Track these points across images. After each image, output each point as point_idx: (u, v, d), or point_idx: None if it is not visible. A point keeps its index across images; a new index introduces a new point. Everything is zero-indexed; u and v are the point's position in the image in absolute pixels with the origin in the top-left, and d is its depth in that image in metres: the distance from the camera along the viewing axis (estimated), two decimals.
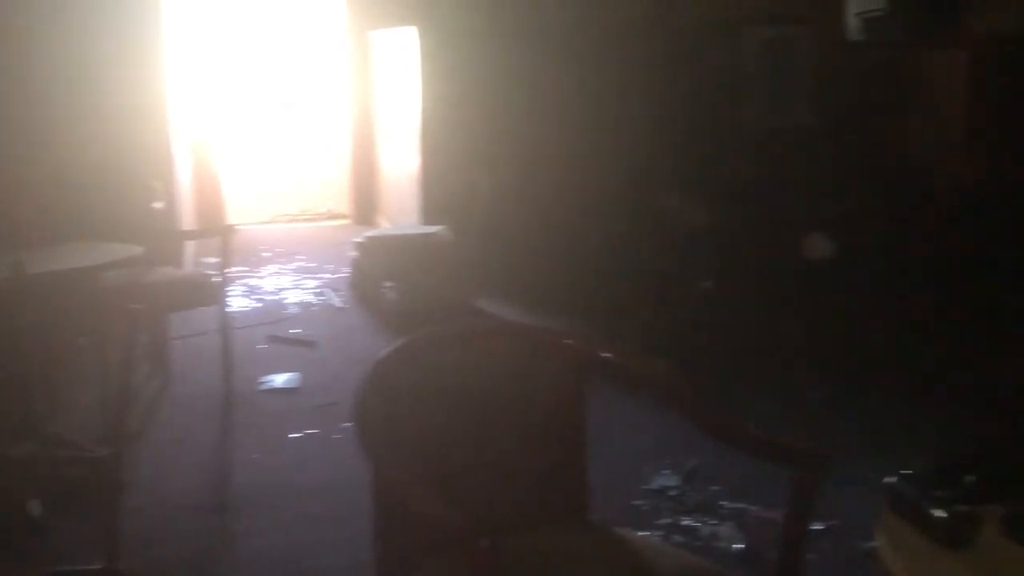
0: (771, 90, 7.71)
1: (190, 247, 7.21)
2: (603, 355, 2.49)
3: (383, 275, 6.54)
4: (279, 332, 6.04)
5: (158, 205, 5.44)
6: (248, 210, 9.37)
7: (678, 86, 7.37)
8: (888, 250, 6.59)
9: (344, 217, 9.39)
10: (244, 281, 7.21)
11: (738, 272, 6.60)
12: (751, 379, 5.16)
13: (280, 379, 5.20)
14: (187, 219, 7.27)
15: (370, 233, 6.92)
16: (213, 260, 5.47)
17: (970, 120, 6.78)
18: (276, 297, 6.84)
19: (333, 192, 9.49)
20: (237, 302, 6.61)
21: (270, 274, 7.46)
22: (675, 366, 4.60)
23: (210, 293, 4.97)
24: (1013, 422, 4.15)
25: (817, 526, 3.50)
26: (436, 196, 7.15)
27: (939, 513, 1.66)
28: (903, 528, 1.71)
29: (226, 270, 4.94)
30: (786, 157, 7.39)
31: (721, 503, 3.77)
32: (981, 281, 6.08)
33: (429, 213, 7.14)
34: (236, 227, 6.70)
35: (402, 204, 7.86)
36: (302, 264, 7.74)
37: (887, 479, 1.80)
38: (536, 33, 7.63)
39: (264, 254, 8.07)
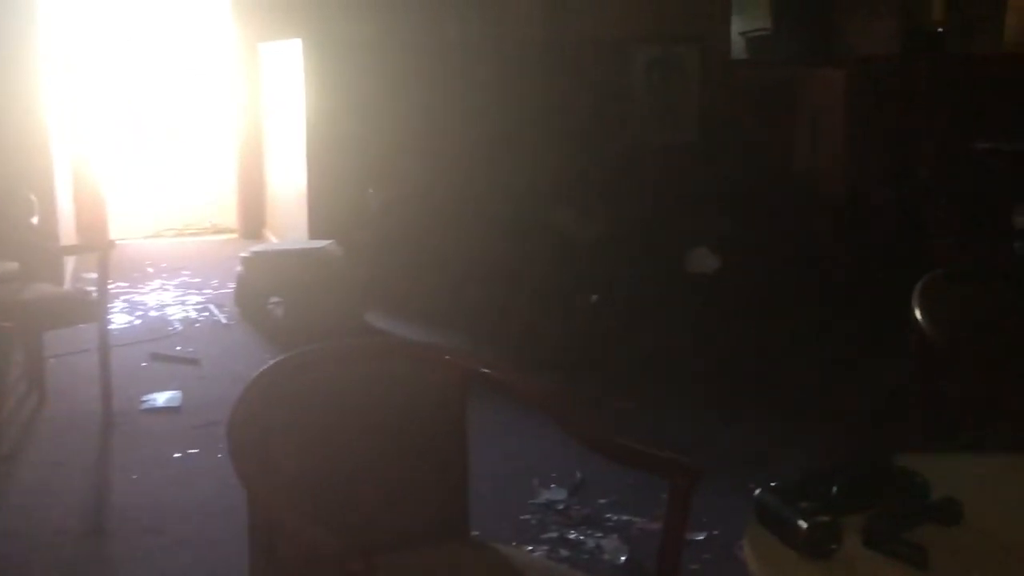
0: (658, 107, 7.85)
1: (70, 263, 7.01)
2: (483, 370, 2.50)
3: (269, 291, 6.46)
4: (161, 349, 5.91)
5: (35, 220, 5.28)
6: (132, 224, 9.16)
7: (567, 102, 7.45)
8: (771, 264, 6.75)
9: (231, 231, 9.24)
10: (126, 297, 7.04)
11: (624, 285, 6.69)
12: (635, 392, 5.22)
13: (162, 398, 5.08)
14: (67, 234, 7.07)
15: (256, 248, 6.82)
16: (94, 275, 5.33)
17: (848, 136, 7.01)
18: (159, 313, 6.69)
19: (220, 206, 9.34)
20: (118, 319, 6.46)
21: (153, 290, 7.29)
22: (553, 381, 4.66)
23: (89, 310, 4.83)
24: (879, 434, 4.29)
25: (698, 536, 3.57)
26: (324, 211, 7.09)
27: (802, 523, 1.70)
28: (768, 538, 1.75)
29: (106, 286, 4.81)
30: (672, 172, 7.53)
31: (607, 516, 3.81)
32: (861, 293, 6.28)
33: (317, 228, 7.07)
34: (118, 242, 6.55)
35: (290, 219, 7.77)
36: (187, 279, 7.59)
37: (756, 491, 1.84)
38: (426, 47, 7.64)
39: (148, 269, 7.89)
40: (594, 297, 6.66)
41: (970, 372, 2.95)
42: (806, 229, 6.89)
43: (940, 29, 9.78)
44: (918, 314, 2.97)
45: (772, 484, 1.80)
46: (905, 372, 3.69)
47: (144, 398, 5.06)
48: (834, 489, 1.80)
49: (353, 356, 2.52)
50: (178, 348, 5.97)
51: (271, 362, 2.37)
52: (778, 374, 5.50)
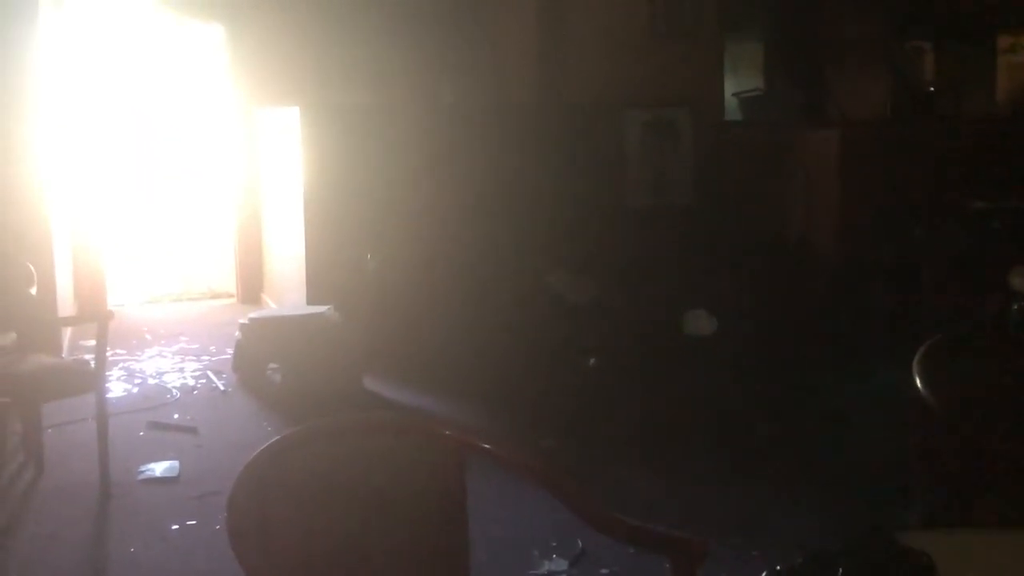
0: (652, 169, 7.91)
1: (68, 331, 7.01)
2: (482, 445, 2.50)
3: (268, 357, 6.45)
4: (159, 418, 5.89)
5: (33, 290, 5.29)
6: (130, 289, 9.17)
7: (562, 166, 7.51)
8: (768, 326, 6.76)
9: (229, 296, 9.25)
10: (124, 365, 7.02)
11: (622, 348, 6.69)
12: (635, 456, 5.20)
13: (159, 468, 5.06)
14: (65, 303, 7.07)
15: (254, 314, 6.83)
16: (92, 343, 5.32)
17: (842, 197, 7.05)
18: (157, 381, 6.68)
19: (218, 271, 9.35)
20: (116, 387, 6.44)
21: (151, 357, 7.28)
22: (552, 457, 4.64)
23: (87, 380, 4.82)
24: (878, 501, 4.26)
25: None
26: (322, 275, 7.11)
27: None
28: None
29: (104, 356, 4.81)
30: (667, 234, 7.56)
31: None
32: (858, 354, 6.28)
33: (315, 293, 7.08)
34: (115, 310, 6.55)
35: (288, 284, 7.79)
36: (184, 346, 7.58)
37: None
38: (422, 112, 7.72)
39: (146, 336, 7.88)
40: (592, 360, 6.66)
41: (971, 441, 2.95)
42: (802, 290, 6.91)
43: (931, 89, 9.91)
44: (919, 383, 2.97)
45: (778, 568, 1.78)
46: (904, 435, 3.67)
47: (142, 468, 5.04)
48: (840, 572, 1.79)
49: (351, 433, 2.51)
50: (176, 416, 5.95)
51: (270, 441, 2.36)
52: (776, 436, 5.47)
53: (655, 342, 6.79)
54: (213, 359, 7.17)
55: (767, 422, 5.61)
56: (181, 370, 6.94)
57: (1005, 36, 9.89)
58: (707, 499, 4.63)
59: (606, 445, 5.38)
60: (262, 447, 2.34)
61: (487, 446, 2.50)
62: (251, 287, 8.94)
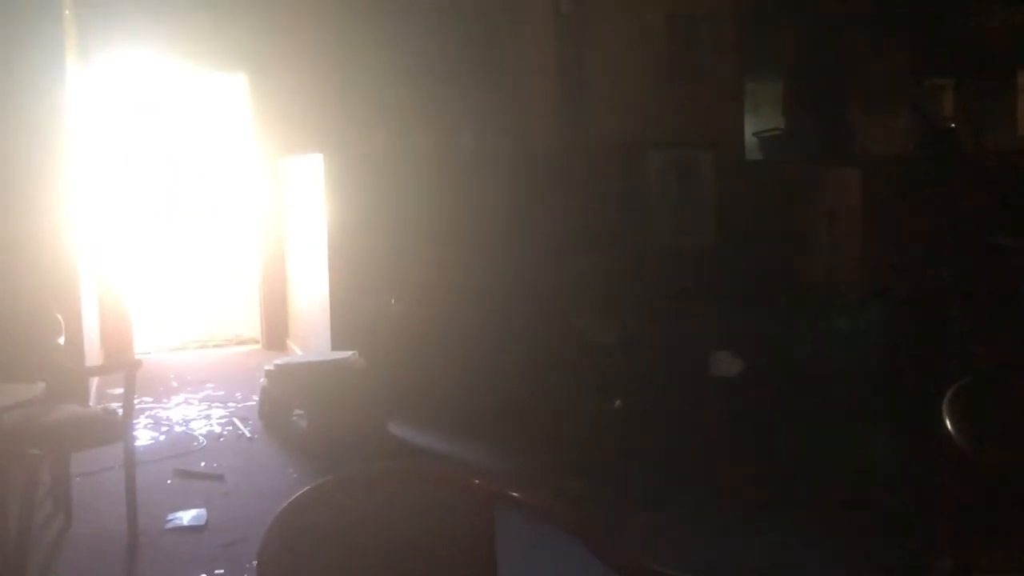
0: (675, 210, 7.92)
1: (95, 380, 7.05)
2: (511, 494, 2.49)
3: (293, 403, 6.47)
4: (186, 466, 5.90)
5: (61, 340, 5.33)
6: (157, 337, 9.23)
7: (585, 208, 7.53)
8: (795, 365, 6.72)
9: (254, 342, 9.30)
10: (151, 412, 7.05)
11: (648, 390, 6.67)
12: (664, 500, 5.16)
13: (187, 516, 5.06)
14: (93, 352, 7.12)
15: (279, 360, 6.85)
16: (119, 391, 5.35)
17: (866, 235, 7.04)
18: (184, 429, 6.70)
19: (243, 317, 9.41)
20: (143, 435, 6.46)
21: (177, 404, 7.31)
22: (580, 501, 4.62)
23: (115, 430, 4.84)
24: (908, 543, 4.21)
25: None
26: (346, 320, 7.13)
27: None
28: None
29: (132, 406, 4.83)
30: (692, 275, 7.56)
31: None
32: (888, 394, 6.24)
33: (339, 337, 7.11)
34: (142, 358, 6.59)
35: (313, 329, 7.82)
36: (211, 393, 7.61)
37: None
38: (444, 157, 7.77)
39: (172, 383, 7.92)
40: (618, 402, 6.64)
41: (1003, 483, 2.92)
42: (827, 329, 6.88)
43: (952, 126, 9.90)
44: (948, 425, 2.95)
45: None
46: (934, 476, 3.63)
47: (169, 517, 5.04)
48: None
49: (380, 482, 2.50)
50: (203, 464, 5.96)
51: (300, 492, 2.36)
52: (805, 479, 5.43)
53: (681, 383, 6.77)
54: (239, 406, 7.19)
55: (795, 462, 5.57)
56: (208, 417, 6.96)
57: None
58: (736, 545, 4.59)
59: (634, 488, 5.35)
60: (292, 497, 2.34)
61: (516, 495, 2.49)
62: (276, 333, 8.97)
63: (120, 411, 4.95)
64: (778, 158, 9.12)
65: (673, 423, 6.41)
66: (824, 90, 9.42)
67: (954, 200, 7.15)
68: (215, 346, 9.42)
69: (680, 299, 7.37)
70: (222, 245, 9.77)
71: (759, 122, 9.32)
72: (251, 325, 9.34)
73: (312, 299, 7.75)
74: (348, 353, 6.57)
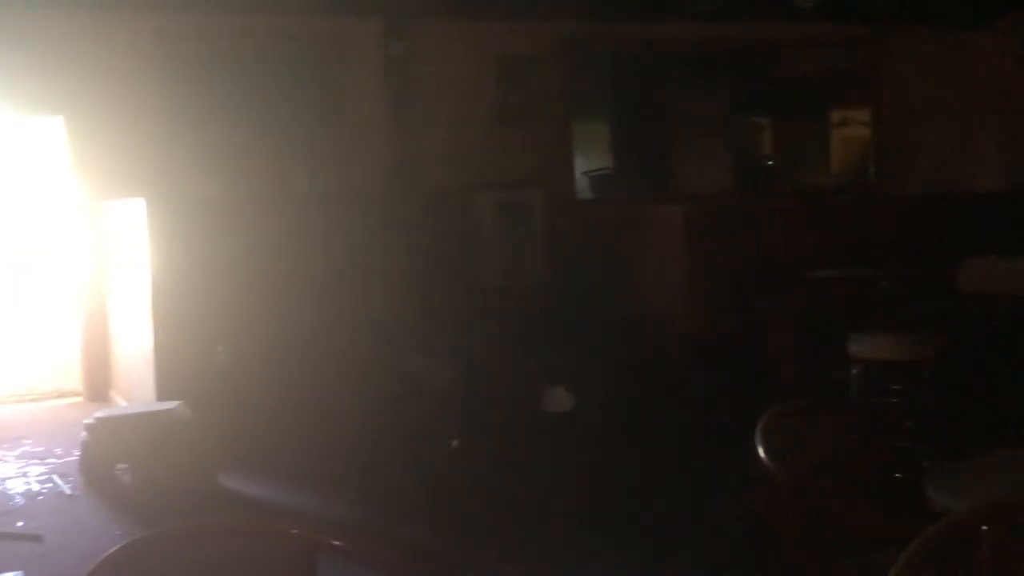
0: (507, 250, 8.01)
1: None
2: (332, 542, 2.45)
3: (116, 457, 6.22)
4: (1, 527, 5.60)
5: None
6: None
7: (417, 251, 7.53)
8: (624, 400, 6.85)
9: (76, 395, 8.93)
10: None
11: (483, 429, 6.69)
12: (501, 540, 5.17)
13: None
14: None
15: (100, 413, 6.59)
16: None
17: (689, 270, 7.25)
18: None
19: (64, 369, 9.03)
20: None
21: None
22: (417, 544, 4.59)
23: None
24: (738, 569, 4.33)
25: None
26: (172, 370, 6.91)
27: None
28: None
29: None
30: (524, 313, 7.63)
31: None
32: (713, 424, 6.41)
33: (166, 388, 6.88)
34: None
35: (137, 379, 7.55)
36: (29, 449, 7.25)
37: None
38: (275, 200, 7.66)
39: None
40: (455, 442, 6.63)
41: (815, 506, 3.03)
42: (655, 364, 7.04)
43: (770, 163, 10.34)
44: (761, 452, 3.05)
45: None
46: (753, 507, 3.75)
47: None
48: None
49: (194, 538, 2.42)
50: (20, 524, 5.67)
51: (109, 552, 2.26)
52: (638, 511, 5.52)
53: (515, 421, 6.81)
54: (60, 461, 6.88)
55: (628, 495, 5.66)
56: (25, 475, 6.64)
57: (837, 111, 10.43)
58: None
59: (471, 529, 5.34)
60: (103, 556, 2.25)
61: (337, 543, 2.45)
62: (99, 384, 8.64)
63: None
64: (607, 197, 9.35)
65: (509, 461, 6.44)
66: (647, 130, 9.72)
67: (771, 234, 7.44)
68: (32, 400, 9.00)
69: (513, 337, 7.43)
70: (41, 294, 9.37)
71: (589, 162, 9.53)
72: (72, 377, 8.97)
73: (136, 348, 7.50)
74: (173, 404, 6.38)
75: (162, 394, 6.86)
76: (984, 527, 2.44)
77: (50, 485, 6.40)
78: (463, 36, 8.38)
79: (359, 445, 6.60)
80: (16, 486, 6.39)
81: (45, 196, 9.13)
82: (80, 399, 8.79)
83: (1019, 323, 6.47)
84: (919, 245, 7.62)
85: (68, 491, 6.26)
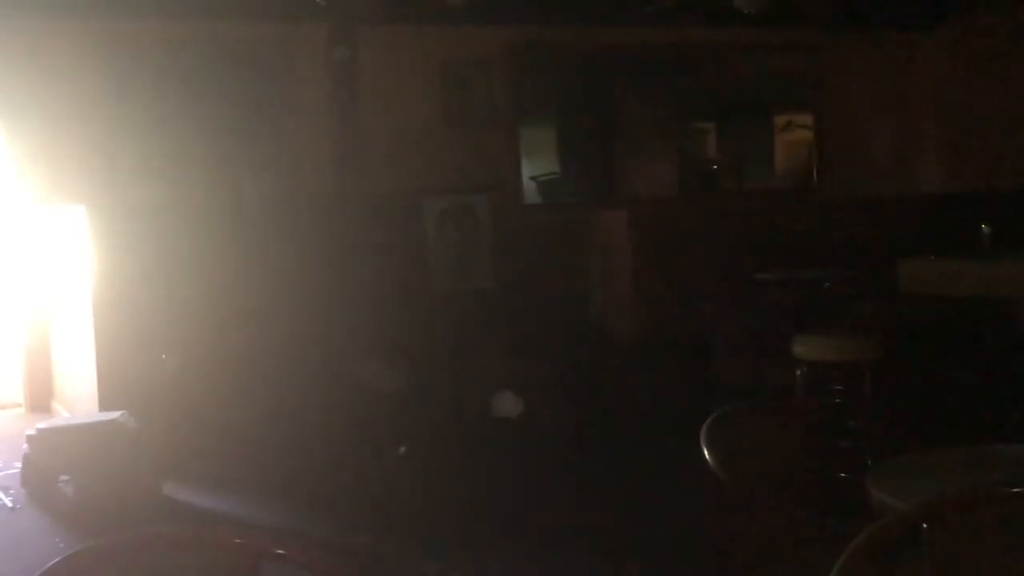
0: (453, 255, 7.99)
1: None
2: (276, 551, 2.43)
3: (59, 469, 6.13)
4: None
5: None
6: None
7: (364, 256, 7.50)
8: (573, 404, 6.87)
9: (16, 405, 8.78)
10: None
11: (432, 434, 6.67)
12: (451, 545, 5.16)
13: None
14: None
15: (41, 424, 6.48)
16: None
17: (634, 274, 7.29)
18: None
19: (3, 379, 8.87)
20: None
21: None
22: (366, 552, 4.56)
23: None
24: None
25: None
26: (116, 379, 6.82)
27: None
28: None
29: None
30: (471, 319, 7.62)
31: None
32: (659, 428, 6.45)
33: (108, 398, 6.79)
34: None
35: (80, 390, 7.45)
36: None
37: None
38: (220, 206, 7.58)
39: None
40: (403, 449, 6.61)
41: (757, 506, 3.05)
42: (602, 367, 7.07)
43: (715, 166, 10.41)
44: (706, 453, 3.07)
45: None
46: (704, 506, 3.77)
47: None
48: None
49: (133, 550, 2.39)
50: None
51: (48, 565, 2.23)
52: (586, 514, 5.53)
53: (464, 426, 6.80)
54: (0, 474, 6.76)
55: (576, 499, 5.67)
56: None
57: (780, 115, 10.53)
58: None
59: (422, 535, 5.32)
60: (42, 569, 2.21)
61: (281, 551, 2.43)
62: (40, 395, 8.50)
63: None
64: (555, 201, 9.36)
65: (458, 466, 6.43)
66: (594, 135, 9.74)
67: (716, 238, 7.51)
68: None
69: (462, 342, 7.42)
70: None
71: (538, 167, 9.53)
72: (13, 387, 8.82)
73: (78, 358, 7.39)
74: (117, 414, 6.29)
75: (105, 404, 6.77)
76: (924, 525, 2.48)
77: None
78: (408, 41, 8.34)
79: (307, 452, 6.56)
80: None
81: None
82: (21, 410, 8.66)
83: (958, 322, 6.57)
84: (861, 247, 7.72)
85: (10, 504, 6.16)
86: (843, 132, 9.91)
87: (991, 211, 7.41)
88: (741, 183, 10.23)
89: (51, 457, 6.14)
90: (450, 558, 4.95)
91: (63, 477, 6.16)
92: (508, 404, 6.97)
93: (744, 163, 10.53)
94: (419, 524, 5.51)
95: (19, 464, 6.47)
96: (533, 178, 9.50)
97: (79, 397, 7.50)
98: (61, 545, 5.39)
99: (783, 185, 10.38)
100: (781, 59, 10.21)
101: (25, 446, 6.32)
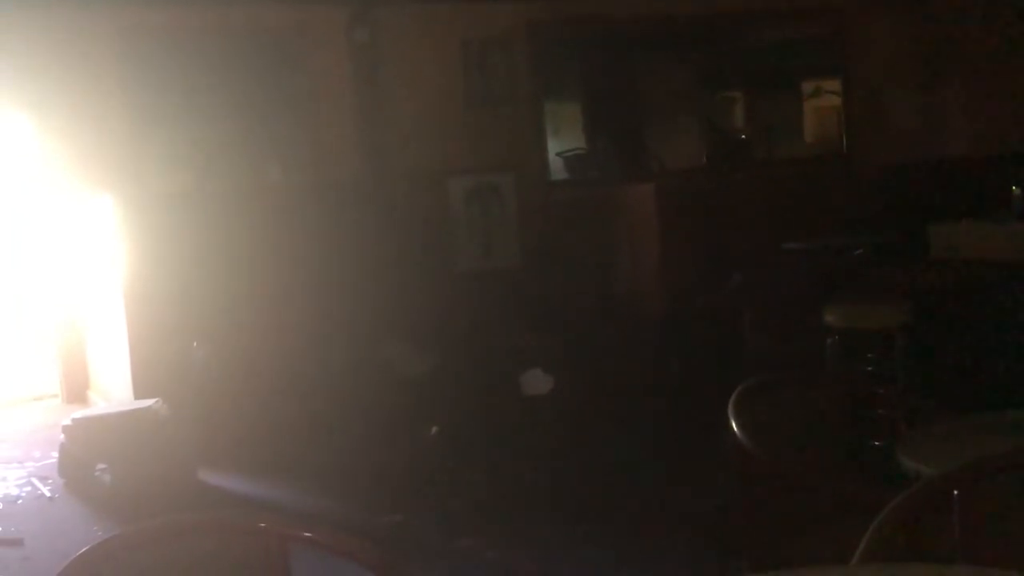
0: (480, 235, 7.98)
1: None
2: (304, 535, 2.44)
3: (95, 458, 6.19)
4: None
5: None
6: None
7: (391, 237, 7.50)
8: (603, 380, 6.85)
9: (53, 396, 8.87)
10: None
11: (462, 414, 6.68)
12: (483, 525, 5.17)
13: None
14: None
15: (77, 414, 6.55)
16: None
17: (663, 247, 7.24)
18: None
19: (40, 371, 8.97)
20: None
21: None
22: (398, 532, 4.57)
23: None
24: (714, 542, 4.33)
25: None
26: (148, 368, 6.87)
27: None
28: None
29: None
30: (498, 298, 7.61)
31: None
32: (689, 402, 6.42)
33: (142, 386, 6.84)
34: None
35: (114, 379, 7.51)
36: (5, 452, 7.21)
37: None
38: (247, 192, 7.61)
39: None
40: (434, 429, 6.62)
41: (789, 479, 3.03)
42: (631, 342, 7.04)
43: (743, 137, 10.32)
44: (734, 425, 3.04)
45: None
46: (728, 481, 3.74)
47: None
48: None
49: (168, 536, 2.41)
50: None
51: (82, 551, 2.25)
52: (617, 491, 5.52)
53: (493, 405, 6.80)
54: (38, 464, 6.84)
55: (608, 475, 5.66)
56: (3, 479, 6.60)
57: (808, 82, 10.41)
58: (557, 563, 4.62)
59: (453, 515, 5.33)
60: (76, 555, 2.23)
61: (308, 534, 2.44)
62: (76, 386, 8.58)
63: None
64: (581, 177, 9.31)
65: (489, 445, 6.43)
66: (619, 109, 9.68)
67: (745, 208, 7.44)
68: (10, 404, 8.95)
69: (489, 321, 7.41)
70: (14, 297, 9.30)
71: (563, 143, 9.49)
72: (49, 378, 8.92)
73: (112, 348, 7.45)
74: (150, 402, 6.34)
75: (139, 392, 6.83)
76: (956, 492, 2.45)
77: (29, 488, 6.37)
78: (427, 21, 8.30)
79: (338, 435, 6.58)
80: None
81: (14, 197, 9.05)
82: (58, 401, 8.74)
83: (991, 286, 6.49)
84: (891, 213, 7.63)
85: (47, 494, 6.23)
86: (871, 97, 9.78)
87: (1022, 173, 7.29)
88: (770, 152, 10.14)
89: (87, 446, 6.20)
90: (482, 536, 4.96)
91: (99, 466, 6.22)
92: (538, 382, 6.97)
93: (772, 132, 10.44)
94: (451, 503, 5.53)
95: (56, 454, 6.54)
96: (559, 154, 9.45)
97: (114, 386, 7.57)
98: (99, 533, 5.43)
99: (812, 153, 10.27)
100: (806, 24, 10.08)
101: (62, 436, 6.39)
